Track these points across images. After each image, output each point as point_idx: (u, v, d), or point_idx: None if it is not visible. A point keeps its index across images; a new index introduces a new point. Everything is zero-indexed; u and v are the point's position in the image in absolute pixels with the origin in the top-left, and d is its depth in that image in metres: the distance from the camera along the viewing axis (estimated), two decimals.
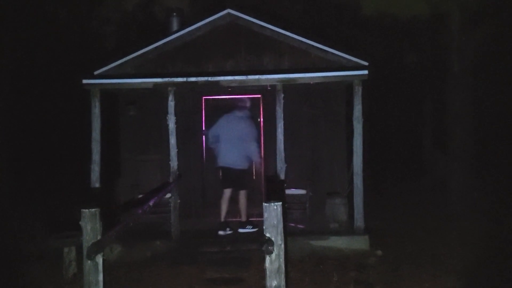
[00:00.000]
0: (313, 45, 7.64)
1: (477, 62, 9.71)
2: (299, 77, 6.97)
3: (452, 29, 9.42)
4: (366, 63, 7.43)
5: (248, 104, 7.31)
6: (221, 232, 7.08)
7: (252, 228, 7.11)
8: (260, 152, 7.10)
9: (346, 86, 7.75)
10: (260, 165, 7.24)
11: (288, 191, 7.56)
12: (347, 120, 7.73)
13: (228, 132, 7.07)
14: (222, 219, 7.17)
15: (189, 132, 8.19)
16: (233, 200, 8.79)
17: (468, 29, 9.30)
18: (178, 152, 7.06)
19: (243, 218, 7.17)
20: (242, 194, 7.15)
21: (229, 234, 7.06)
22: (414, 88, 14.49)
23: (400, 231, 7.80)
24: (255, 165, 7.29)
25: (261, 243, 3.60)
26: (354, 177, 6.91)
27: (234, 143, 7.00)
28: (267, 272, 3.61)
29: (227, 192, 7.17)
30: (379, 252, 6.52)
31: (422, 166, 13.79)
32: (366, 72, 6.89)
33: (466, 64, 9.37)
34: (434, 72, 12.91)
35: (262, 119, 8.31)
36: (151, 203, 5.27)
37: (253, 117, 7.32)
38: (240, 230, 7.12)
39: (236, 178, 7.08)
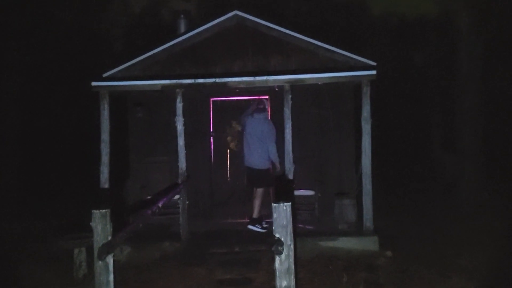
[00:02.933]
0: (320, 46, 7.62)
1: (486, 62, 9.63)
2: (307, 78, 6.97)
3: (461, 29, 9.36)
4: (374, 63, 7.40)
5: (266, 105, 7.46)
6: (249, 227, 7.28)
7: (261, 228, 7.12)
8: (276, 153, 7.14)
9: (354, 86, 7.72)
10: (280, 165, 7.26)
11: (296, 192, 7.54)
12: (355, 120, 7.71)
13: (248, 133, 7.30)
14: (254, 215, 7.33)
15: (197, 134, 8.20)
16: (242, 199, 8.85)
17: (477, 28, 9.24)
18: (186, 153, 7.08)
19: (254, 215, 7.22)
20: (259, 192, 7.27)
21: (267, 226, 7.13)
22: (423, 88, 14.43)
23: (409, 232, 7.76)
24: (274, 165, 7.30)
25: (271, 243, 3.60)
26: (363, 177, 6.88)
27: (254, 144, 7.23)
28: (277, 273, 3.61)
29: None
30: (389, 253, 6.49)
31: (431, 167, 13.71)
32: (374, 72, 6.87)
33: (475, 63, 9.31)
34: (442, 71, 12.85)
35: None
36: (160, 204, 5.28)
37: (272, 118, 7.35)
38: (249, 227, 7.18)
39: (256, 177, 7.29)
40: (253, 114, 7.36)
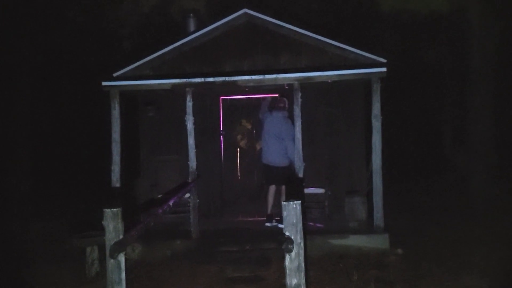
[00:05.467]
0: (330, 43, 7.60)
1: (498, 57, 9.52)
2: (317, 76, 6.94)
3: (472, 24, 9.26)
4: (384, 60, 7.36)
5: (286, 104, 7.41)
6: (267, 224, 7.31)
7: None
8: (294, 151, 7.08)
9: (364, 83, 7.68)
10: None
11: (306, 190, 7.55)
12: (366, 118, 7.67)
13: (268, 131, 7.32)
14: (269, 212, 7.34)
15: (207, 132, 8.24)
16: (253, 198, 8.84)
17: (489, 24, 9.13)
18: (196, 152, 7.11)
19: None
20: (284, 189, 7.27)
21: (275, 225, 7.16)
22: (434, 85, 14.31)
23: (420, 229, 7.72)
24: (292, 163, 7.30)
25: (281, 241, 3.61)
26: (373, 175, 6.85)
27: (273, 142, 7.26)
28: (287, 271, 3.61)
29: (272, 188, 7.39)
30: (400, 251, 6.46)
31: (443, 164, 13.61)
32: (384, 69, 6.82)
33: (487, 59, 9.21)
34: (454, 68, 12.74)
35: None
36: (170, 203, 5.32)
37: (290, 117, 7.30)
38: (279, 226, 7.17)
39: (276, 175, 7.29)
40: (272, 112, 7.36)
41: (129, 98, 8.21)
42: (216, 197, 8.38)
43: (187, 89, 7.06)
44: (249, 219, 8.04)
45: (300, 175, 6.89)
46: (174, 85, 7.09)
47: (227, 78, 7.02)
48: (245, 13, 7.74)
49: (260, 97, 8.42)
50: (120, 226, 3.69)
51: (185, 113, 7.08)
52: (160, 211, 4.95)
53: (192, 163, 7.05)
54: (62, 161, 13.71)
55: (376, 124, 6.79)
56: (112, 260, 3.64)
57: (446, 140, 13.98)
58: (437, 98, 14.35)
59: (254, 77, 7.01)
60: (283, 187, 7.24)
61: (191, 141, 7.07)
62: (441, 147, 14.12)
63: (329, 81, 7.05)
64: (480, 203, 8.92)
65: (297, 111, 6.91)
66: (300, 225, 3.60)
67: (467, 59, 9.65)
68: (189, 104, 7.06)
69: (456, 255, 6.29)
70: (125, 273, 3.74)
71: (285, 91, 7.59)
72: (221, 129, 8.65)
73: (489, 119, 9.26)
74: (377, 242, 6.64)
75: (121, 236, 3.68)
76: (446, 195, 10.50)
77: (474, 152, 9.39)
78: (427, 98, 14.77)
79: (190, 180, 6.98)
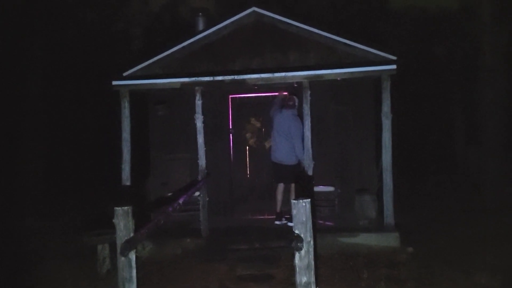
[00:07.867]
0: (339, 41, 7.57)
1: (510, 53, 9.41)
2: (326, 74, 6.91)
3: (484, 20, 9.17)
4: (394, 58, 7.31)
5: (296, 102, 7.37)
6: (277, 222, 7.31)
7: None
8: (302, 150, 7.05)
9: (374, 81, 7.64)
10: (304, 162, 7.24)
11: (316, 188, 7.53)
12: (376, 115, 7.63)
13: (277, 129, 7.30)
14: (278, 210, 7.35)
15: (216, 131, 8.25)
16: (262, 196, 8.83)
17: (500, 20, 9.03)
18: (206, 150, 7.13)
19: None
20: (292, 187, 7.27)
21: (285, 223, 7.16)
22: (445, 82, 14.18)
23: (431, 227, 7.67)
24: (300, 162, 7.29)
25: (290, 240, 3.61)
26: (384, 173, 6.81)
27: (281, 140, 7.23)
28: (297, 269, 3.61)
29: (280, 186, 7.37)
30: (410, 249, 6.42)
31: (454, 162, 13.49)
32: (394, 66, 6.77)
33: (499, 56, 9.11)
34: (465, 65, 12.61)
35: None
36: (180, 201, 5.34)
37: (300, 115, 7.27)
38: (289, 224, 7.18)
39: (284, 173, 7.27)
40: (281, 110, 7.34)
41: (139, 97, 8.25)
42: (225, 195, 8.39)
43: (197, 87, 7.09)
44: (258, 217, 8.05)
45: (310, 173, 6.88)
46: (183, 84, 7.12)
47: (236, 77, 7.03)
48: (254, 12, 7.74)
49: (269, 95, 8.42)
50: (131, 224, 3.72)
51: (194, 111, 7.11)
52: (170, 209, 4.98)
53: (202, 161, 7.08)
54: (73, 159, 13.83)
55: (386, 122, 6.75)
56: (123, 258, 3.67)
57: (457, 137, 13.85)
58: (448, 95, 14.22)
59: (263, 75, 7.01)
60: (292, 185, 7.23)
61: (200, 139, 7.09)
62: (452, 145, 13.99)
63: (338, 79, 7.03)
64: (492, 201, 8.83)
65: (306, 109, 6.90)
66: (309, 223, 3.60)
67: (478, 55, 9.55)
68: (198, 102, 7.09)
69: (467, 253, 6.24)
70: (136, 271, 3.77)
71: (294, 89, 7.57)
72: (230, 127, 8.66)
73: (501, 116, 9.17)
74: (388, 240, 6.61)
75: (131, 234, 3.71)
76: (457, 193, 10.42)
77: (485, 149, 9.31)
78: (437, 96, 14.65)
79: (199, 179, 7.01)
